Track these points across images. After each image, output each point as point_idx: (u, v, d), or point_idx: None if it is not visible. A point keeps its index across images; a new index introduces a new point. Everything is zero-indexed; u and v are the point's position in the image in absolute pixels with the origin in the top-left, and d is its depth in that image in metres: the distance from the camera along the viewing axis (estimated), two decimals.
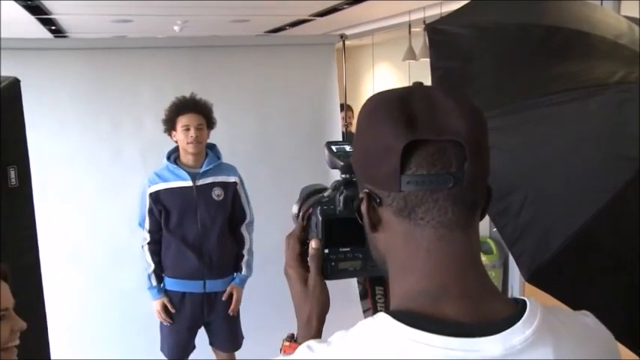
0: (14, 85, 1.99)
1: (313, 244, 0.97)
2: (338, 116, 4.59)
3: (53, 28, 6.90)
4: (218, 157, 3.28)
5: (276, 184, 4.06)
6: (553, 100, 1.67)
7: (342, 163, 1.05)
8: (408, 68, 7.11)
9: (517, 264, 1.56)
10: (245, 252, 3.27)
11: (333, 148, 1.08)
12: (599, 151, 1.60)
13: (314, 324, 0.95)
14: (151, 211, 3.17)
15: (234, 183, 3.24)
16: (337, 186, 1.02)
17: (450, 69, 1.82)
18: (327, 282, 0.99)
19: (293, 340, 0.97)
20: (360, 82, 8.94)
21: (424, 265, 0.77)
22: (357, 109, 7.44)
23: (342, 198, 0.88)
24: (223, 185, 3.20)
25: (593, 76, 1.70)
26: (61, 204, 3.80)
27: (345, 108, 5.44)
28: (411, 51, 6.05)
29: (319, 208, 0.99)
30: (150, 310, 3.29)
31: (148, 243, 3.20)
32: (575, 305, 1.70)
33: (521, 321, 0.75)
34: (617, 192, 1.53)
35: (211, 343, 3.34)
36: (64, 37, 7.46)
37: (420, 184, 0.74)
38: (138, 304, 3.59)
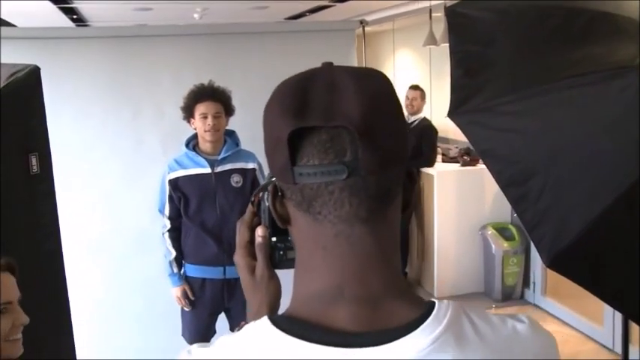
0: (34, 72, 2.00)
1: (259, 231, 0.91)
2: None
3: (75, 17, 6.95)
4: (237, 143, 3.27)
5: None
6: (574, 82, 1.65)
7: None
8: (429, 54, 7.05)
9: (537, 249, 1.55)
10: None
11: None
12: (619, 136, 1.57)
13: (264, 314, 0.89)
14: (170, 197, 3.18)
15: (253, 169, 3.23)
16: None
17: (469, 52, 1.81)
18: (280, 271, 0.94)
19: None
20: (381, 68, 8.84)
21: (320, 265, 0.71)
22: None
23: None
24: (242, 172, 3.19)
25: (616, 58, 1.67)
26: (83, 192, 3.83)
27: None
28: (432, 36, 5.99)
29: (266, 193, 0.91)
30: (171, 296, 3.33)
31: (168, 230, 3.21)
32: (595, 290, 1.69)
33: (419, 329, 0.66)
34: (637, 179, 1.50)
35: (232, 329, 3.36)
36: (86, 26, 7.51)
37: (312, 176, 0.68)
38: (159, 291, 3.62)
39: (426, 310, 0.68)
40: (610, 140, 1.57)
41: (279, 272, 0.98)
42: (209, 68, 4.05)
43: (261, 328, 0.70)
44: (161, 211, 3.23)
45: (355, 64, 4.55)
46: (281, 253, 0.93)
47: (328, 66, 0.75)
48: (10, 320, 1.43)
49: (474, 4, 1.90)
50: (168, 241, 3.21)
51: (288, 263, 0.93)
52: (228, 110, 3.18)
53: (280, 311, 0.78)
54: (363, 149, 0.66)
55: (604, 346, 4.27)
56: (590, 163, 1.56)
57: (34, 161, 1.85)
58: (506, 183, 1.61)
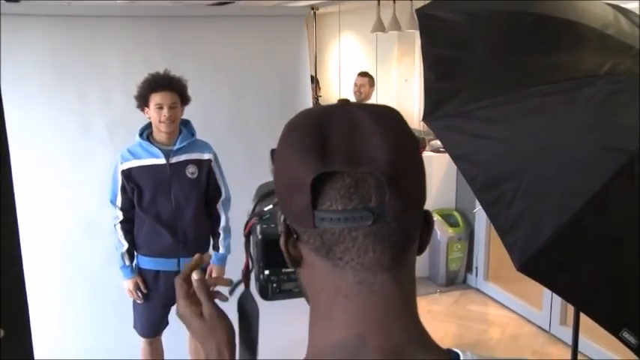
0: None
1: (194, 276, 0.94)
2: (309, 89, 4.57)
3: None
4: (192, 133, 3.22)
5: (247, 157, 4.02)
6: (544, 90, 1.70)
7: None
8: (375, 39, 7.08)
9: (509, 253, 1.60)
10: (221, 230, 3.24)
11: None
12: (588, 142, 1.64)
13: (226, 354, 0.93)
14: (123, 188, 3.12)
15: (209, 160, 3.20)
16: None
17: (441, 56, 1.83)
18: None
19: None
20: (325, 51, 8.86)
21: (341, 313, 0.68)
22: (321, 81, 7.33)
23: (280, 213, 0.79)
24: (197, 162, 3.16)
25: (583, 67, 1.72)
26: (28, 179, 3.70)
27: (316, 81, 5.41)
28: (380, 23, 6.00)
29: (259, 226, 0.93)
30: (120, 284, 3.26)
31: (121, 222, 3.15)
32: (565, 294, 1.76)
33: None
34: (606, 183, 1.57)
35: None
36: (16, 0, 7.15)
37: (335, 221, 0.66)
38: (107, 278, 3.55)
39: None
40: (579, 147, 1.63)
41: (276, 305, 0.98)
42: (158, 51, 3.96)
43: None
44: (113, 202, 3.16)
45: (306, 49, 4.54)
46: (274, 285, 0.93)
47: (344, 104, 0.73)
48: None
49: (443, 6, 1.92)
50: (120, 233, 3.14)
51: (282, 295, 0.93)
52: (184, 100, 3.12)
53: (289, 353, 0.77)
54: (390, 196, 0.65)
55: (541, 329, 4.47)
56: (561, 169, 1.62)
57: None
58: (480, 187, 1.65)
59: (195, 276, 0.95)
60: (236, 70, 4.20)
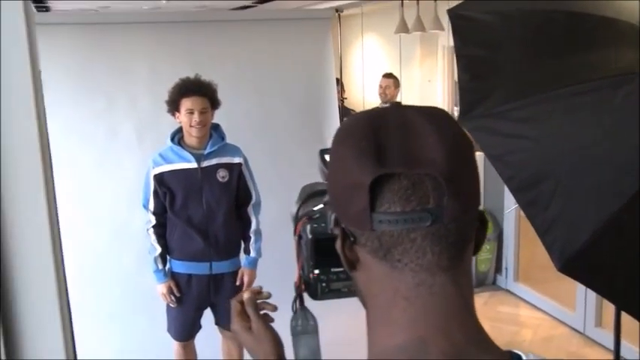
0: None
1: (245, 295, 1.04)
2: (334, 91, 4.57)
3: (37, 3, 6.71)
4: (222, 137, 3.21)
5: (272, 160, 4.04)
6: (580, 89, 1.68)
7: None
8: (398, 40, 7.06)
9: (549, 254, 1.58)
10: (252, 233, 3.24)
11: (326, 157, 0.98)
12: (626, 141, 1.61)
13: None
14: (155, 192, 3.11)
15: (239, 164, 3.18)
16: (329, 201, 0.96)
17: (475, 56, 1.82)
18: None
19: None
20: (348, 53, 8.86)
21: (401, 316, 0.68)
22: (345, 83, 7.30)
23: (333, 216, 0.80)
24: (228, 166, 3.15)
25: (620, 64, 1.70)
26: (58, 183, 3.74)
27: (341, 84, 5.41)
28: (404, 23, 5.99)
29: (309, 226, 0.94)
30: (149, 287, 3.27)
31: (153, 226, 3.15)
32: (607, 294, 1.73)
33: None
34: None
35: (217, 323, 3.34)
36: (46, 10, 7.26)
37: (393, 223, 0.66)
38: (137, 282, 3.58)
39: None
40: (617, 146, 1.60)
41: (329, 305, 0.99)
42: (183, 56, 4.00)
43: None
44: (145, 207, 3.17)
45: (331, 52, 4.55)
46: (323, 285, 0.95)
47: (397, 106, 0.76)
48: None
49: (476, 6, 1.90)
50: (153, 237, 3.15)
51: (332, 295, 0.96)
52: (215, 104, 3.13)
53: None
54: (448, 197, 0.65)
55: (576, 330, 4.40)
56: (597, 169, 1.60)
57: None
58: (517, 188, 1.63)
59: (245, 295, 1.04)
60: (261, 74, 4.22)
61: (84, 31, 3.96)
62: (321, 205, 0.95)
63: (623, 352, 3.68)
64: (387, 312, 0.69)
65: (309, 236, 0.93)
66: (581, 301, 4.30)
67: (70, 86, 3.91)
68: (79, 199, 3.86)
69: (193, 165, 3.09)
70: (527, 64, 1.77)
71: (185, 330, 3.28)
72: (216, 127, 3.22)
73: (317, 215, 0.94)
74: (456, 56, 1.79)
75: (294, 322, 1.03)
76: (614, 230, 1.56)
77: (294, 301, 1.04)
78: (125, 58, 4.00)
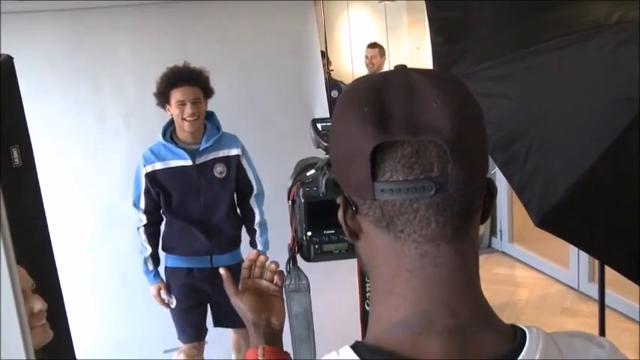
0: (8, 62, 1.93)
1: (221, 270, 1.14)
2: (319, 64, 4.55)
3: None
4: (218, 127, 3.00)
5: (260, 137, 4.01)
6: (552, 45, 1.69)
7: (325, 144, 1.01)
8: (384, 9, 7.02)
9: (527, 210, 1.60)
10: (256, 226, 3.06)
11: (319, 126, 1.02)
12: (599, 94, 1.62)
13: (252, 331, 1.11)
14: (147, 191, 2.92)
15: (237, 156, 2.98)
16: (321, 166, 0.97)
17: (447, 19, 1.82)
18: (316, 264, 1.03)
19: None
20: (333, 26, 8.79)
21: (405, 288, 0.66)
22: (331, 55, 7.18)
23: (324, 180, 0.80)
24: (225, 160, 2.95)
25: (591, 18, 1.70)
26: (47, 171, 3.74)
27: (326, 56, 5.39)
28: None
29: (301, 190, 0.96)
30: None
31: (145, 225, 2.99)
32: (584, 246, 1.76)
33: None
34: (618, 135, 1.56)
35: (216, 323, 3.18)
36: None
37: (396, 192, 0.63)
38: (135, 267, 3.58)
39: (515, 341, 0.66)
40: (590, 100, 1.62)
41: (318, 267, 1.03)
42: (166, 37, 3.97)
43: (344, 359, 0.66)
44: (136, 205, 2.99)
45: (315, 25, 4.52)
46: (316, 247, 0.98)
47: (402, 69, 0.69)
48: (27, 309, 1.43)
49: None
50: (144, 237, 3.00)
51: (324, 256, 0.99)
52: (207, 93, 2.92)
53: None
54: (452, 165, 0.62)
55: (570, 287, 4.46)
56: (572, 123, 1.61)
57: (15, 154, 1.80)
58: (493, 148, 1.65)
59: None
60: (246, 51, 4.20)
61: (66, 17, 3.93)
62: (313, 171, 0.98)
63: (614, 304, 3.74)
64: (391, 284, 0.67)
65: (302, 200, 0.96)
66: (574, 259, 4.35)
67: (55, 74, 3.89)
68: (69, 187, 3.85)
69: (188, 162, 2.90)
70: (500, 24, 1.78)
71: (192, 329, 3.10)
72: (210, 117, 3.03)
73: (309, 180, 0.97)
74: (429, 19, 1.79)
75: (287, 281, 1.07)
76: (590, 185, 1.59)
77: (288, 262, 1.07)
78: (108, 41, 3.96)
